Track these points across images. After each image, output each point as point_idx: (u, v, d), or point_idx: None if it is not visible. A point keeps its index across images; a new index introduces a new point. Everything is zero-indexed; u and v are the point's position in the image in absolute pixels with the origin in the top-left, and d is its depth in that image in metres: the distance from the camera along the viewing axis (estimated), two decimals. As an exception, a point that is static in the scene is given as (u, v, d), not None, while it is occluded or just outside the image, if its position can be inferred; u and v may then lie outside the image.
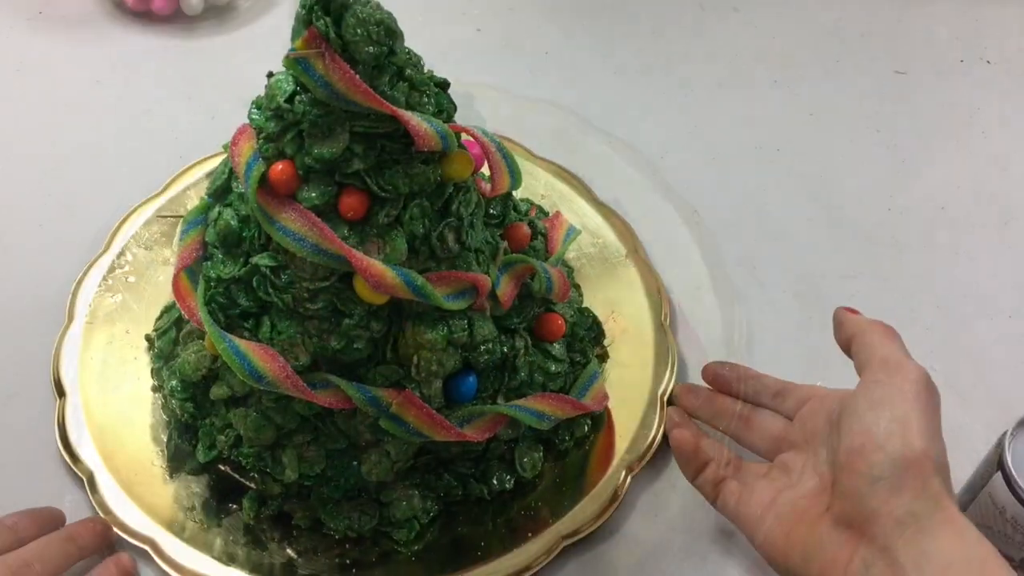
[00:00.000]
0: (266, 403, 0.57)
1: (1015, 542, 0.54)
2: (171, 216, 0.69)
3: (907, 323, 0.72)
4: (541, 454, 0.63)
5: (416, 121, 0.51)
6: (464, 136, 0.56)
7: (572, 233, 0.67)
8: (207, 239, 0.58)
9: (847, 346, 0.56)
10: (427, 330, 0.55)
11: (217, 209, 0.57)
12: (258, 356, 0.54)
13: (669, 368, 0.67)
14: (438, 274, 0.55)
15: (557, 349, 0.63)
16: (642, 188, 0.81)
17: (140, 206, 0.74)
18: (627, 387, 0.66)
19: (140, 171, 0.78)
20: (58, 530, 0.57)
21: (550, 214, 0.73)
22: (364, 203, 0.52)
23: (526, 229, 0.62)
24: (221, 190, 0.58)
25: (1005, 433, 0.55)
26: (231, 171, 0.58)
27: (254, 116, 0.54)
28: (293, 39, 0.51)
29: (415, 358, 0.56)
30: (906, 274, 0.76)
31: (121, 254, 0.71)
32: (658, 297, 0.71)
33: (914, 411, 0.50)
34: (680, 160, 0.84)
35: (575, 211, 0.75)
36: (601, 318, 0.69)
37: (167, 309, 0.66)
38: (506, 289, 0.59)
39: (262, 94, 0.55)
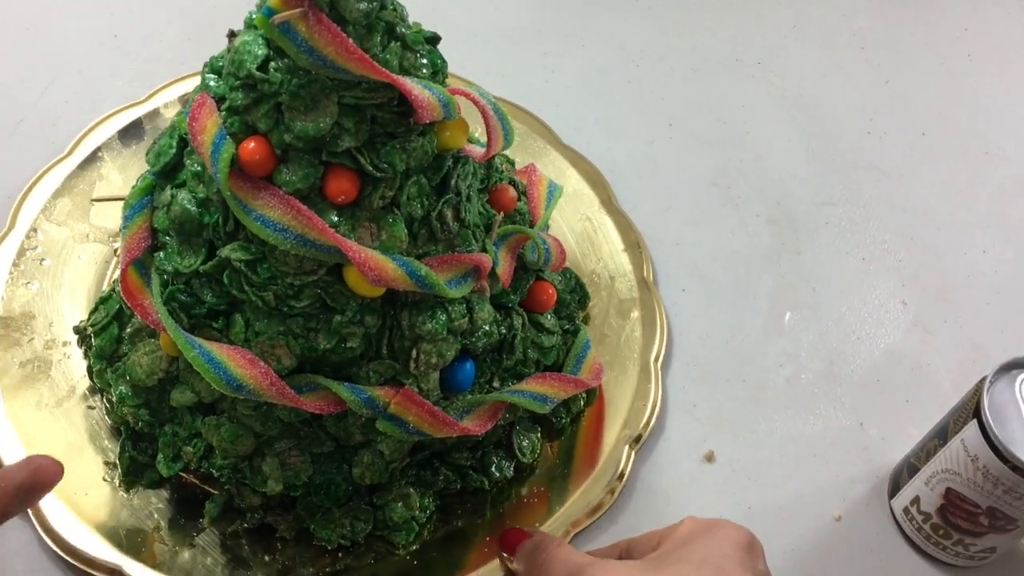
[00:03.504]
0: (242, 410, 0.50)
1: (984, 490, 0.52)
2: (108, 199, 0.59)
3: (879, 254, 0.71)
4: (539, 435, 0.58)
5: (418, 90, 0.43)
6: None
7: (555, 192, 0.61)
8: (156, 225, 0.49)
9: None
10: (426, 320, 0.49)
11: (169, 191, 0.49)
12: (235, 363, 0.47)
13: (658, 330, 0.63)
14: (438, 259, 0.48)
15: (549, 320, 0.58)
16: (612, 101, 0.76)
17: (45, 172, 0.64)
18: (614, 353, 0.62)
19: (38, 130, 0.67)
20: None
21: (515, 164, 0.66)
22: (356, 184, 0.45)
23: (512, 192, 0.56)
24: (169, 167, 0.49)
25: (983, 379, 0.51)
26: (180, 144, 0.49)
27: (211, 84, 0.46)
28: (264, -6, 0.42)
29: (413, 351, 0.50)
30: (881, 202, 0.74)
31: (30, 233, 0.61)
32: (638, 251, 0.66)
33: None
34: (655, 70, 0.79)
35: (538, 157, 0.69)
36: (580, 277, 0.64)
37: (103, 300, 0.56)
38: (505, 266, 0.53)
39: (216, 54, 0.47)
